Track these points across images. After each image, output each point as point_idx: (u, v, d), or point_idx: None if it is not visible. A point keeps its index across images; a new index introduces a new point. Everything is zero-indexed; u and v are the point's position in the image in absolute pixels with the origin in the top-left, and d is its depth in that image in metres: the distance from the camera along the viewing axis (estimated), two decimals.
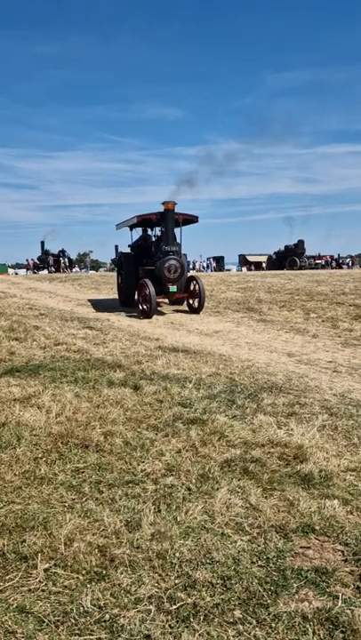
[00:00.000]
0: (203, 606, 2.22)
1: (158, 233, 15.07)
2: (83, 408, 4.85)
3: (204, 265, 53.21)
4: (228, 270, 51.26)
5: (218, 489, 3.29)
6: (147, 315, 12.60)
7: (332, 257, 56.13)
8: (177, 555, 2.59)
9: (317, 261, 52.20)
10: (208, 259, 54.85)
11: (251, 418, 4.67)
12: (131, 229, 15.69)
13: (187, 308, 14.46)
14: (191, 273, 16.53)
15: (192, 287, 13.97)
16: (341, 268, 52.00)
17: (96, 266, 59.32)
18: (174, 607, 2.22)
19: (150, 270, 13.59)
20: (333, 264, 53.65)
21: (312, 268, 46.99)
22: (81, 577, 2.43)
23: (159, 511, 3.03)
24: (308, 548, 2.70)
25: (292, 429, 4.32)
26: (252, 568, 2.50)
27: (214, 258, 55.21)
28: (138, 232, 16.13)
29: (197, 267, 50.20)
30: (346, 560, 2.59)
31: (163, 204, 13.23)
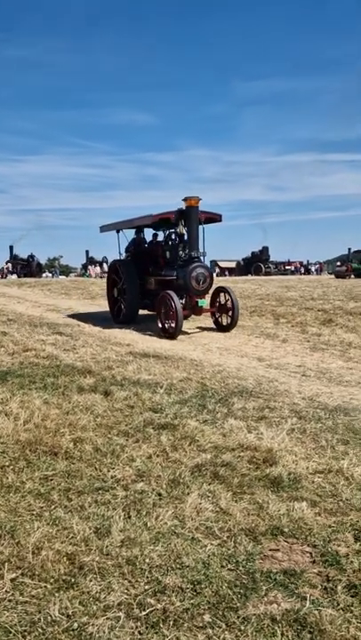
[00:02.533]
0: (172, 611, 2.21)
1: (160, 235, 13.01)
2: (52, 415, 4.79)
3: None
4: None
5: (188, 494, 3.29)
6: (171, 335, 10.21)
7: (301, 263, 57.18)
8: (147, 560, 2.58)
9: (287, 267, 53.07)
10: None
11: (221, 422, 4.69)
12: (118, 232, 13.22)
13: (212, 325, 11.83)
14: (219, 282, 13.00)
15: (222, 300, 11.54)
16: (310, 273, 52.99)
17: (66, 271, 58.71)
18: (144, 613, 2.21)
19: (167, 281, 11.31)
20: (302, 270, 54.63)
21: (282, 274, 47.72)
22: (49, 586, 2.39)
23: (129, 517, 3.01)
24: (277, 550, 2.73)
25: (261, 433, 4.36)
26: (221, 572, 2.51)
27: None
28: (128, 235, 13.53)
29: None
30: (314, 561, 2.62)
31: (185, 199, 10.83)
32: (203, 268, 10.80)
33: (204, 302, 11.09)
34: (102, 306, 17.62)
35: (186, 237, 11.16)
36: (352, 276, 37.64)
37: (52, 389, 5.78)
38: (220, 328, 11.48)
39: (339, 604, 2.27)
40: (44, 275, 46.73)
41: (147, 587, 2.38)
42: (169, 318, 10.46)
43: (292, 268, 53.59)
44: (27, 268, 42.46)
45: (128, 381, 6.19)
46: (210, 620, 2.19)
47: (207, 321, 12.13)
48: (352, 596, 2.33)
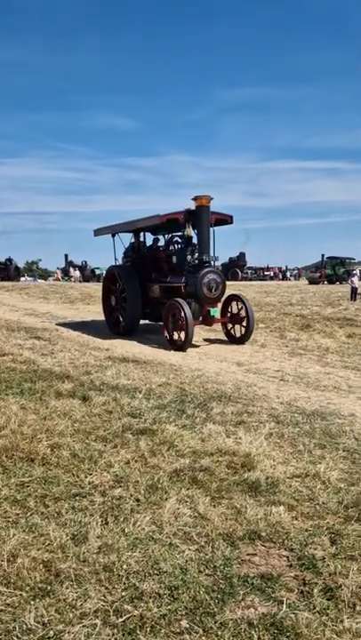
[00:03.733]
0: (149, 617, 2.20)
1: (162, 239, 12.17)
2: (29, 420, 4.73)
3: None
4: None
5: (166, 499, 3.28)
6: (180, 347, 9.44)
7: (279, 269, 57.76)
8: (124, 567, 2.56)
9: (266, 273, 53.57)
10: None
11: (200, 427, 4.70)
12: (113, 236, 12.24)
13: (223, 337, 10.92)
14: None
15: (234, 309, 10.66)
16: (287, 279, 53.58)
17: (45, 275, 58.16)
18: (120, 620, 2.19)
19: (174, 288, 10.31)
20: (280, 276, 55.20)
21: (261, 279, 48.13)
22: (24, 594, 2.36)
23: (107, 523, 2.99)
24: (255, 554, 2.74)
25: (240, 438, 4.38)
26: (199, 577, 2.50)
27: None
28: (125, 240, 12.54)
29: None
30: (291, 565, 2.64)
31: (195, 199, 9.86)
32: (215, 274, 9.87)
33: (217, 311, 10.12)
34: (81, 310, 17.52)
35: (194, 240, 10.41)
36: (325, 282, 38.21)
37: (30, 394, 5.71)
38: (233, 340, 10.54)
39: (315, 608, 2.29)
40: (22, 279, 46.21)
41: (124, 593, 2.37)
42: (178, 329, 9.64)
43: (271, 274, 54.12)
44: (4, 271, 41.89)
45: (107, 386, 6.16)
46: (187, 625, 2.18)
47: (212, 332, 11.57)
48: (328, 599, 2.35)
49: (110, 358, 8.12)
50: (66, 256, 50.82)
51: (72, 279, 42.71)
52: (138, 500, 3.29)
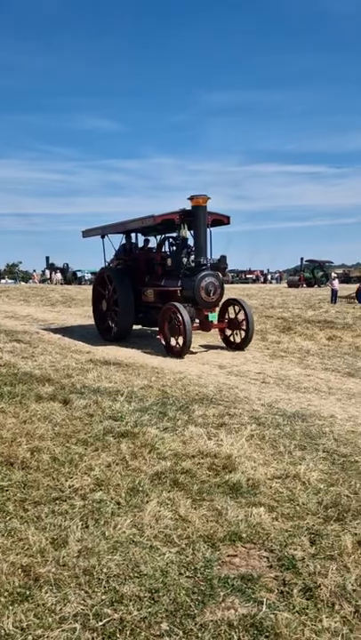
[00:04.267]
0: (130, 621, 2.19)
1: (152, 241, 11.87)
2: (8, 424, 4.68)
3: None
4: None
5: (148, 502, 3.27)
6: (178, 353, 9.08)
7: (261, 272, 58.24)
8: (104, 570, 2.54)
9: (248, 276, 53.98)
10: None
11: (182, 430, 4.70)
12: (102, 237, 11.83)
13: (220, 343, 10.55)
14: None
15: (232, 314, 10.31)
16: (268, 282, 54.03)
17: (26, 277, 57.64)
18: (100, 624, 2.18)
19: (170, 292, 9.93)
20: (262, 279, 55.67)
21: (243, 282, 48.45)
22: (3, 599, 2.33)
23: (87, 527, 2.97)
24: (235, 556, 2.75)
25: (221, 440, 4.39)
26: (179, 579, 2.50)
27: None
28: (115, 241, 12.02)
29: None
30: (271, 566, 2.65)
31: (191, 198, 9.44)
32: (213, 277, 9.44)
33: (215, 316, 9.75)
34: (62, 312, 17.40)
35: (191, 242, 10.01)
36: (304, 285, 38.63)
37: (9, 398, 5.65)
38: (231, 346, 10.16)
39: (294, 608, 2.31)
40: (2, 281, 45.75)
41: (104, 597, 2.35)
42: (175, 334, 9.22)
43: (253, 277, 54.52)
44: None
45: (88, 389, 6.12)
46: (167, 627, 2.18)
47: (210, 337, 11.13)
48: (307, 599, 2.37)
49: (92, 361, 8.08)
50: (47, 258, 50.48)
51: (52, 281, 42.36)
52: (119, 504, 3.27)
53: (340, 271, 49.07)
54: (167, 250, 11.08)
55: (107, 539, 2.84)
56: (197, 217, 9.48)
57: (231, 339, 10.27)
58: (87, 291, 28.43)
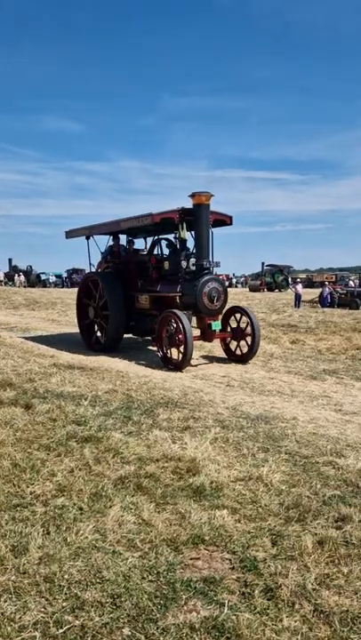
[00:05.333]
0: (91, 627, 2.17)
1: (139, 243, 11.14)
2: None
3: None
4: None
5: (111, 507, 3.25)
6: (177, 365, 8.29)
7: (227, 276, 58.76)
8: (66, 577, 2.51)
9: None
10: None
11: (146, 433, 4.68)
12: (87, 238, 10.98)
13: (222, 354, 9.63)
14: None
15: (237, 323, 9.45)
16: (233, 286, 54.60)
17: None
18: (61, 631, 2.15)
19: (168, 299, 9.10)
20: (227, 283, 56.23)
21: None
22: None
23: (48, 533, 2.93)
24: (198, 558, 2.76)
25: (186, 443, 4.40)
26: (142, 584, 2.49)
27: None
28: (101, 242, 11.61)
29: None
30: (233, 568, 2.67)
31: (192, 196, 8.58)
32: (216, 282, 8.69)
33: (218, 325, 8.89)
34: (25, 316, 17.11)
35: (188, 244, 9.23)
36: (265, 290, 39.23)
37: None
38: (233, 358, 9.26)
39: (256, 608, 2.33)
40: None
41: (65, 604, 2.32)
42: (174, 345, 8.41)
43: None
44: None
45: (51, 394, 6.04)
46: (129, 633, 2.16)
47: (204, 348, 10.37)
48: (268, 600, 2.40)
49: (55, 365, 7.97)
50: (10, 260, 49.58)
51: (15, 284, 41.61)
52: (81, 509, 3.24)
53: (303, 276, 50.08)
54: (159, 252, 10.34)
55: (68, 545, 2.80)
56: (199, 216, 8.64)
57: (235, 349, 9.35)
58: (52, 294, 28.07)
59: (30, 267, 47.21)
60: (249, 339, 9.00)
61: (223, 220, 9.60)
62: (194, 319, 8.93)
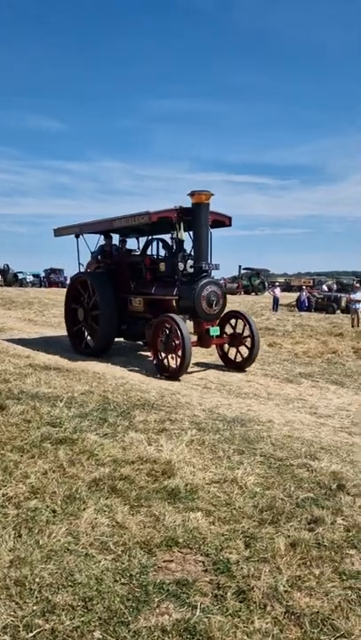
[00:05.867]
0: (61, 631, 2.15)
1: (130, 242, 10.73)
2: None
3: None
4: None
5: (84, 509, 3.22)
6: (174, 374, 7.85)
7: None
8: (37, 580, 2.48)
9: None
10: None
11: (122, 435, 4.66)
12: (77, 237, 10.44)
13: (217, 361, 9.27)
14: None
15: (235, 329, 8.97)
16: None
17: None
18: (31, 635, 2.12)
19: (164, 302, 8.69)
20: None
21: None
22: None
23: (20, 536, 2.89)
24: (171, 561, 2.75)
25: (161, 445, 4.39)
26: (114, 586, 2.48)
27: None
28: (92, 241, 10.62)
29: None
30: (206, 570, 2.68)
31: (192, 194, 8.19)
32: (215, 286, 8.30)
33: (217, 331, 8.51)
34: (1, 315, 16.86)
35: (185, 245, 8.90)
36: (242, 293, 39.52)
37: None
38: (230, 365, 8.89)
39: (228, 611, 2.34)
40: None
41: (35, 607, 2.29)
42: (171, 351, 8.00)
43: None
44: None
45: (26, 395, 5.96)
46: (100, 636, 2.15)
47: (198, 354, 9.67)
48: (240, 602, 2.40)
49: (31, 366, 7.87)
50: None
51: None
52: (54, 511, 3.20)
53: (281, 280, 50.53)
54: (153, 253, 9.85)
55: (40, 548, 2.77)
56: (198, 216, 8.24)
57: (234, 356, 8.97)
58: (29, 293, 27.76)
59: (7, 265, 46.55)
60: (247, 343, 8.68)
61: (222, 221, 9.23)
62: (190, 324, 8.59)
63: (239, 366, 8.71)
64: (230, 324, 8.99)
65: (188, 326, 8.04)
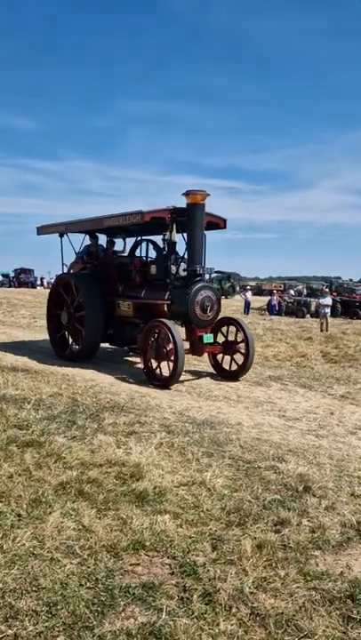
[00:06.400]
0: (24, 636, 2.11)
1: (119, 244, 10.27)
2: None
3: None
4: None
5: (50, 513, 3.18)
6: (165, 382, 7.47)
7: None
8: (0, 585, 2.43)
9: None
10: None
11: (91, 438, 4.62)
12: (61, 236, 10.02)
13: (209, 369, 8.86)
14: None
15: (228, 336, 8.55)
16: None
17: None
18: None
19: (155, 307, 8.25)
20: None
21: None
22: None
23: None
24: (138, 564, 2.74)
25: (130, 448, 4.37)
26: (80, 591, 2.45)
27: None
28: (76, 241, 10.20)
29: (45, 284, 47.59)
30: (173, 573, 2.67)
31: (187, 194, 7.80)
32: (209, 290, 7.93)
33: (210, 338, 8.10)
34: None
35: (178, 247, 8.55)
36: None
37: None
38: (223, 374, 8.48)
39: (193, 613, 2.34)
40: None
41: None
42: (162, 359, 7.61)
43: None
44: None
45: None
46: None
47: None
48: (206, 604, 2.41)
49: None
50: None
51: None
52: (19, 515, 3.15)
53: (253, 284, 51.07)
54: (141, 254, 9.44)
55: (4, 552, 2.72)
56: (193, 217, 7.85)
57: (229, 365, 8.54)
58: None
59: None
60: (242, 350, 8.25)
61: (217, 224, 8.80)
62: (182, 330, 8.21)
63: (233, 375, 8.30)
64: (222, 332, 8.59)
65: (180, 332, 7.71)
